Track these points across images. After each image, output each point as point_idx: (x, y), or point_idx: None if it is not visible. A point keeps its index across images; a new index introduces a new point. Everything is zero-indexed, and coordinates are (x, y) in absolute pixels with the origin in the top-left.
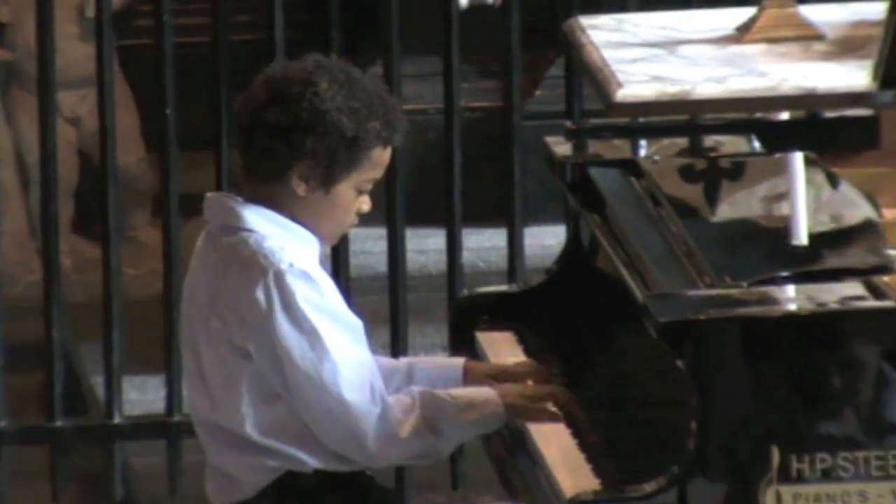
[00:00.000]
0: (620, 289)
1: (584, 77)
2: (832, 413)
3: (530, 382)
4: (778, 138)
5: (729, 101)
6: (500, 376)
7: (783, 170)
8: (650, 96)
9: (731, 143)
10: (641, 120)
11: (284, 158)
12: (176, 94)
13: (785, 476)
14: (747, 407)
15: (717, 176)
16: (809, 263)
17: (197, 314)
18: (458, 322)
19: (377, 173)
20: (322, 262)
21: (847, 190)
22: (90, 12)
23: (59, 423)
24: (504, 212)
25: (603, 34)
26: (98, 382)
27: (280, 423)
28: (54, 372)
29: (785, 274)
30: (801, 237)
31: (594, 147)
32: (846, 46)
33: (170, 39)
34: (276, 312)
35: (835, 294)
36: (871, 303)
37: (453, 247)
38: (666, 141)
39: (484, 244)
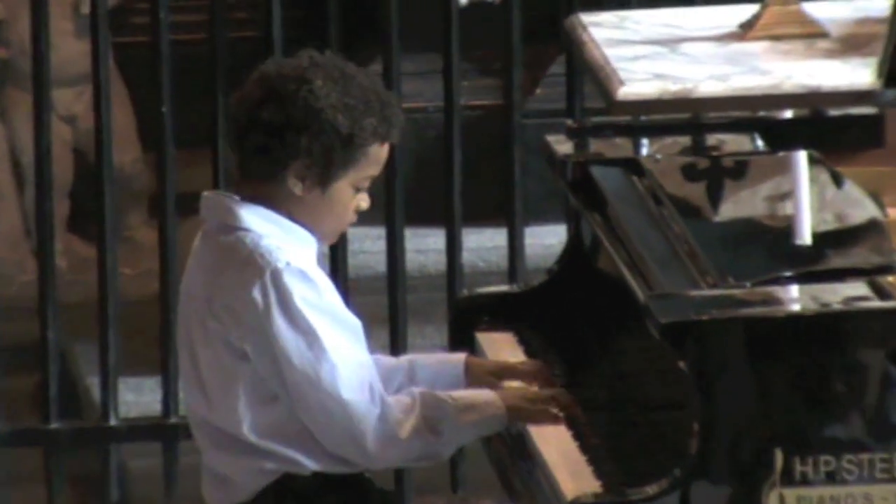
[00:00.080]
0: (622, 289)
1: (586, 75)
2: (836, 415)
3: (534, 383)
4: (781, 137)
5: (732, 99)
6: (502, 374)
7: (786, 169)
8: (652, 94)
9: (733, 142)
10: (643, 118)
11: (280, 157)
12: (172, 92)
13: (788, 479)
14: (750, 408)
15: (720, 175)
16: (813, 263)
17: (193, 314)
18: (458, 323)
19: (375, 170)
20: (320, 262)
21: (851, 189)
22: (85, 9)
23: (54, 425)
24: (504, 211)
25: (604, 31)
26: (94, 384)
27: (277, 424)
28: (49, 373)
29: (788, 274)
30: (805, 237)
31: (595, 146)
32: (850, 44)
33: (166, 37)
34: (274, 312)
35: (839, 294)
36: (876, 303)
37: (453, 246)
38: (668, 139)
39: (484, 244)
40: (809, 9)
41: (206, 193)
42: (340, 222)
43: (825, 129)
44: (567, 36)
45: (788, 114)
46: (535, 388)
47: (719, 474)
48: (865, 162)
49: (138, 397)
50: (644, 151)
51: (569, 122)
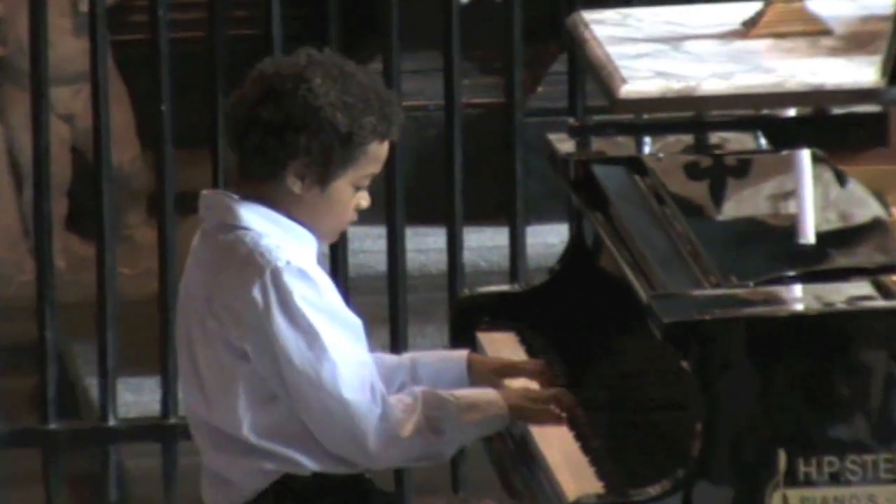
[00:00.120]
0: (624, 289)
1: (588, 73)
2: (840, 415)
3: (536, 383)
4: (785, 135)
5: (735, 97)
6: (504, 372)
7: (790, 167)
8: (655, 92)
9: (736, 141)
10: (646, 117)
11: (279, 157)
12: (171, 90)
13: (792, 479)
14: (753, 409)
15: (723, 174)
16: (817, 263)
17: (193, 314)
18: (458, 322)
19: (375, 168)
20: (320, 262)
21: (855, 188)
22: (84, 7)
23: (52, 426)
24: (506, 210)
25: (606, 29)
26: (92, 384)
27: (277, 424)
28: (48, 373)
29: (792, 273)
30: (809, 236)
31: (597, 144)
32: (854, 42)
33: (165, 35)
34: (274, 311)
35: (843, 294)
36: (880, 303)
37: (454, 246)
38: (671, 138)
39: (485, 243)
40: (813, 6)
41: (204, 192)
42: (340, 221)
43: (829, 127)
44: (569, 34)
45: (792, 112)
46: (537, 388)
47: (722, 475)
48: (869, 160)
49: (137, 398)
50: (646, 150)
51: (571, 120)
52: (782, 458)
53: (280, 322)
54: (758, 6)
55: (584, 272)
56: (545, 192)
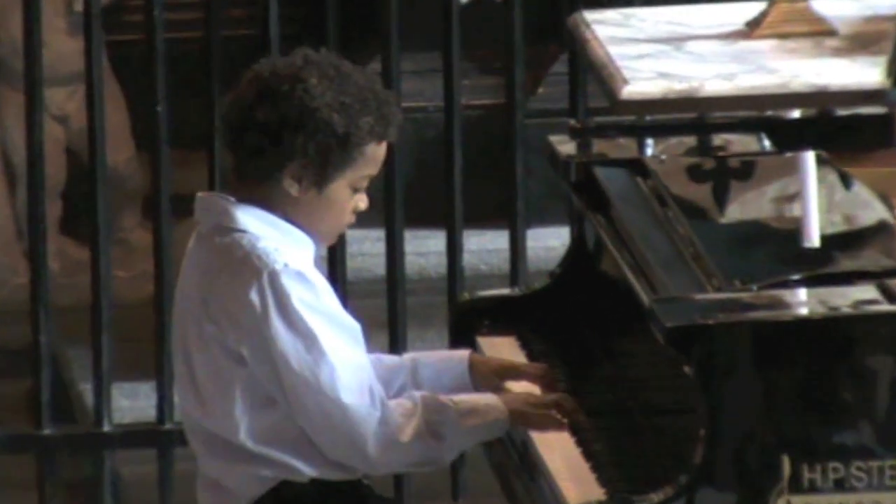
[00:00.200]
0: (626, 292)
1: (589, 74)
2: (845, 421)
3: (537, 387)
4: (789, 137)
5: (738, 98)
6: (506, 373)
7: (794, 169)
8: (657, 93)
9: (740, 142)
10: (648, 118)
11: (275, 158)
12: (167, 91)
13: (796, 486)
14: (757, 414)
15: (726, 176)
16: (821, 266)
17: (189, 317)
18: (458, 326)
19: (373, 170)
20: (318, 265)
21: (860, 190)
22: (78, 6)
23: (46, 431)
24: (506, 213)
25: (608, 29)
26: (87, 389)
27: (275, 430)
28: (41, 378)
29: (796, 277)
30: (813, 239)
31: (599, 146)
32: (859, 42)
33: (161, 35)
34: (271, 314)
35: (847, 298)
36: (886, 307)
37: (454, 249)
38: (673, 140)
39: (485, 246)
40: (817, 6)
41: (200, 194)
42: (338, 223)
43: (833, 128)
44: (570, 34)
45: (796, 113)
46: (538, 392)
47: (725, 481)
48: (874, 162)
49: (132, 403)
50: (648, 152)
51: (572, 121)
52: (786, 464)
53: (278, 325)
54: (761, 6)
55: (586, 275)
56: (546, 195)
